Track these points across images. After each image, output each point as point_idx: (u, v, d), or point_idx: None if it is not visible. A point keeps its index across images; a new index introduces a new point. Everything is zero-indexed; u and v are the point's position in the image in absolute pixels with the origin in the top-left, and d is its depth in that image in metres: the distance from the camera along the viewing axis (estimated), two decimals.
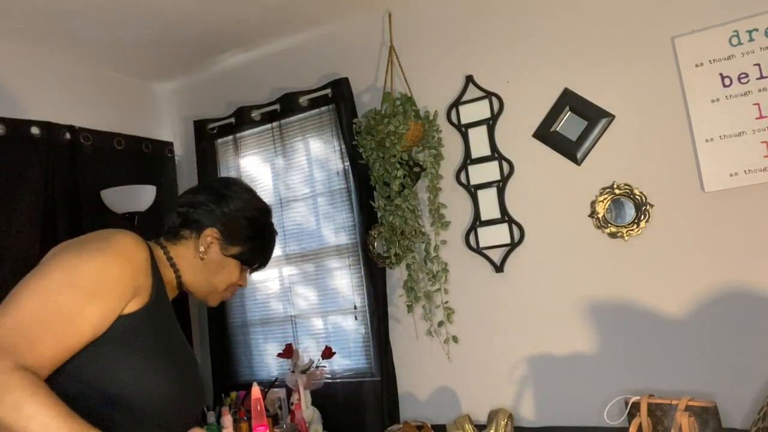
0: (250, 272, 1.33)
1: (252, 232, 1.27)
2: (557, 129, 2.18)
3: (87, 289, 0.98)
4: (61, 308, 0.96)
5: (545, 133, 2.20)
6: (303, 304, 2.70)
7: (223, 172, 2.90)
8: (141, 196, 2.52)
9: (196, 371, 1.22)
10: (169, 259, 1.20)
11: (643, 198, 2.04)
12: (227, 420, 2.31)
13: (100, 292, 0.99)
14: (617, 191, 2.08)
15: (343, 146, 2.52)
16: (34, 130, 2.38)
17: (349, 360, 2.56)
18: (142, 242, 1.11)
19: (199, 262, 1.22)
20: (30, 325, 0.93)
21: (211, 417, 2.48)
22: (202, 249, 1.21)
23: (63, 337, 0.95)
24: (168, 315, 1.16)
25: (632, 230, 2.06)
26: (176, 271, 1.21)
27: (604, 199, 2.10)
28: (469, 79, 2.34)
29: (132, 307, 1.05)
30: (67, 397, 0.94)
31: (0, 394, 0.86)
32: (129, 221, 2.49)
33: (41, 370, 0.94)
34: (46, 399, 0.89)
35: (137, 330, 1.05)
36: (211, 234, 1.22)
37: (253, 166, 2.84)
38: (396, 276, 2.45)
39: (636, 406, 1.77)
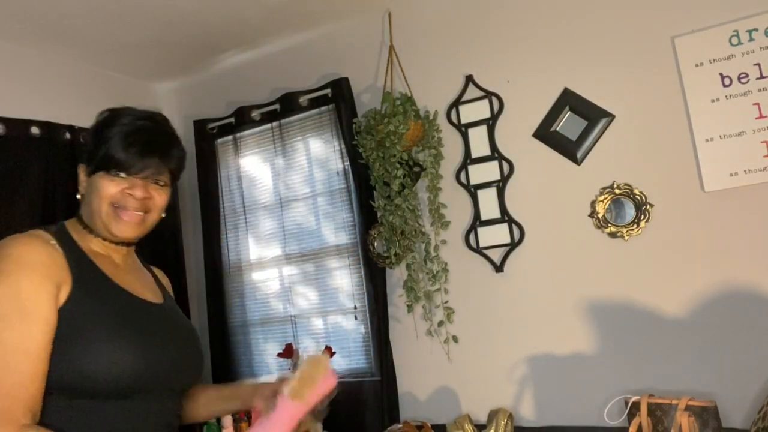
0: (136, 175, 1.13)
1: (95, 133, 1.16)
2: (557, 129, 2.18)
3: (14, 313, 0.96)
4: (7, 346, 0.94)
5: (545, 133, 2.20)
6: (303, 304, 2.70)
7: (223, 172, 2.90)
8: None
9: (170, 328, 1.18)
10: (84, 225, 1.16)
11: (643, 198, 2.04)
12: (227, 420, 2.30)
13: (28, 310, 0.97)
14: (617, 191, 2.08)
15: (343, 146, 2.52)
16: (34, 130, 2.38)
17: (349, 360, 2.56)
18: (34, 236, 1.06)
19: (84, 202, 1.15)
20: None
21: None
22: (79, 189, 1.17)
23: (30, 369, 0.95)
24: (106, 286, 1.10)
25: (632, 230, 2.06)
26: (92, 231, 1.15)
27: (604, 198, 2.10)
28: (469, 79, 2.34)
29: (61, 300, 1.02)
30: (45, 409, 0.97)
31: None
32: None
33: (35, 409, 0.95)
34: None
35: (75, 320, 1.02)
36: (79, 171, 1.17)
37: (253, 166, 2.84)
38: (396, 276, 2.45)
39: (636, 406, 1.77)
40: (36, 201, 2.34)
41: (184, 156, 1.25)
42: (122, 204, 1.12)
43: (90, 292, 1.07)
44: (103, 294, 1.09)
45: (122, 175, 1.11)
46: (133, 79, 2.97)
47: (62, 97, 2.61)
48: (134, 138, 1.12)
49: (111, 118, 1.16)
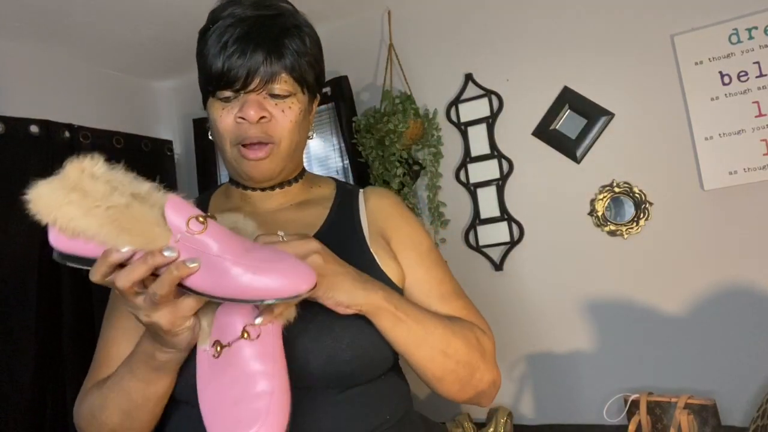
0: (235, 93, 0.87)
1: (197, 47, 0.92)
2: (557, 127, 2.18)
3: None
4: None
5: (545, 132, 2.20)
6: None
7: (223, 171, 2.90)
8: None
9: None
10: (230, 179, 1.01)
11: (643, 196, 2.04)
12: None
13: None
14: (617, 189, 2.08)
15: (343, 144, 2.52)
16: (33, 129, 2.38)
17: None
18: None
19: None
20: None
21: None
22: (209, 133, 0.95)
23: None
24: None
25: (632, 228, 2.06)
26: (232, 181, 0.97)
27: (604, 197, 2.10)
28: (469, 77, 2.34)
29: None
30: None
31: None
32: None
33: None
34: None
35: None
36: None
37: None
38: None
39: (635, 404, 1.77)
40: None
41: (313, 50, 0.95)
42: (243, 136, 0.86)
43: None
44: None
45: (228, 94, 0.86)
46: (133, 78, 2.97)
47: (61, 96, 2.60)
48: (229, 35, 0.85)
49: (210, 19, 0.90)
